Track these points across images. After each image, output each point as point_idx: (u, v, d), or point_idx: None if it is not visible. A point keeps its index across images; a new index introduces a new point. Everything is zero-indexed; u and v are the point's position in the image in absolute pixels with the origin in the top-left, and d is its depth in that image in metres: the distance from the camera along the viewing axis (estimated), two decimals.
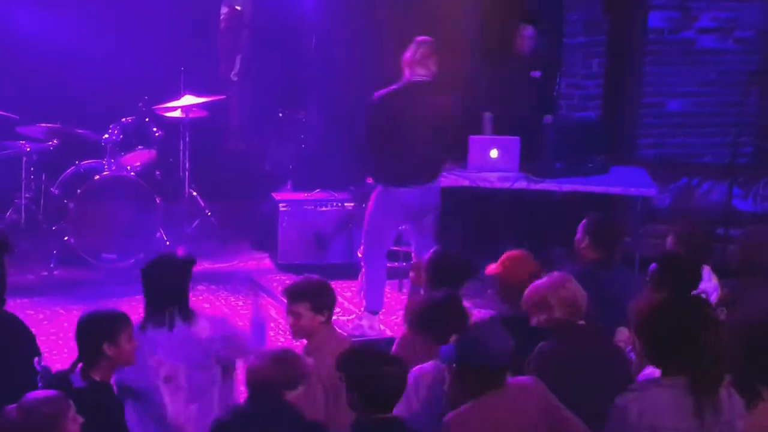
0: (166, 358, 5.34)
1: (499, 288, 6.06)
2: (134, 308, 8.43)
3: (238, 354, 5.46)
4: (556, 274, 5.48)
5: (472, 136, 9.05)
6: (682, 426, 4.07)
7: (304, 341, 5.57)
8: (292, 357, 4.73)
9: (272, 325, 8.28)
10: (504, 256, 6.10)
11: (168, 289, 5.42)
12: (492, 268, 6.13)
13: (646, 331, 4.20)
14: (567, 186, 8.94)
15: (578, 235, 6.49)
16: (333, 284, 8.15)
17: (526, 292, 5.43)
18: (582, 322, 5.31)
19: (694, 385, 4.07)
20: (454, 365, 4.56)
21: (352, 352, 4.63)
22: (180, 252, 5.74)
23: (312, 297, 5.48)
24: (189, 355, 5.34)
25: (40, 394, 4.38)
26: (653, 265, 5.87)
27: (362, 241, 8.12)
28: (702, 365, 4.06)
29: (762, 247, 6.27)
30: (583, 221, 6.52)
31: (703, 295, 5.89)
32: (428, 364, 4.98)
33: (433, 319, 5.16)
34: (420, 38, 7.88)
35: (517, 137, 8.97)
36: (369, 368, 4.43)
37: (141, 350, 5.21)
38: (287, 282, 8.69)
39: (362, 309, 8.10)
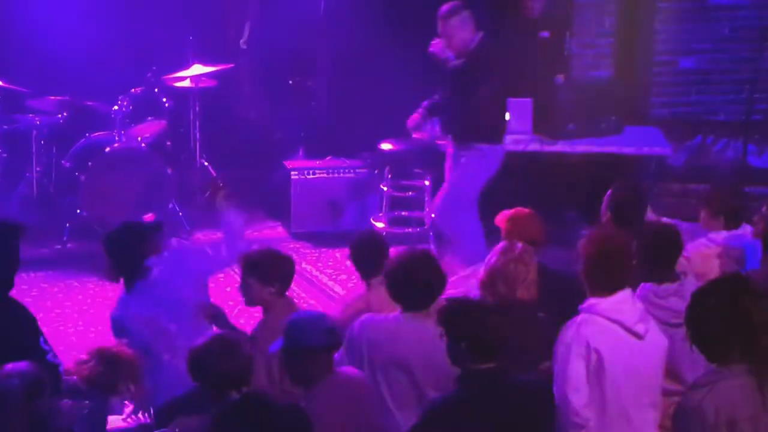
0: (139, 315, 5.54)
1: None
2: None
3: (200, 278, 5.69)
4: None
5: None
6: (761, 414, 3.97)
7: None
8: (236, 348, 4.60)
9: None
10: (512, 212, 6.09)
11: (128, 256, 5.63)
12: (501, 219, 6.13)
13: (695, 320, 4.08)
14: (580, 147, 8.90)
15: (604, 206, 6.32)
16: (346, 251, 8.23)
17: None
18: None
19: (758, 370, 3.96)
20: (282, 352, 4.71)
21: (457, 306, 4.63)
22: (147, 218, 5.87)
23: (260, 269, 5.51)
24: (155, 300, 5.52)
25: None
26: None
27: (451, 209, 7.81)
28: (761, 348, 3.96)
29: None
30: (609, 192, 6.34)
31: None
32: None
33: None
34: None
35: (529, 99, 8.90)
36: (476, 319, 4.50)
37: (119, 321, 5.57)
38: (302, 250, 8.80)
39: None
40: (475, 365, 4.48)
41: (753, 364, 3.97)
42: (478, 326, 4.49)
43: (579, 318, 4.73)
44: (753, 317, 3.96)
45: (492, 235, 6.23)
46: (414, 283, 5.11)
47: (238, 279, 5.74)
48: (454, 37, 7.46)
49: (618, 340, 4.67)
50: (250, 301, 5.62)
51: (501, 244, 5.48)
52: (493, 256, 5.36)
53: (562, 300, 5.19)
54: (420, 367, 5.00)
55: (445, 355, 4.61)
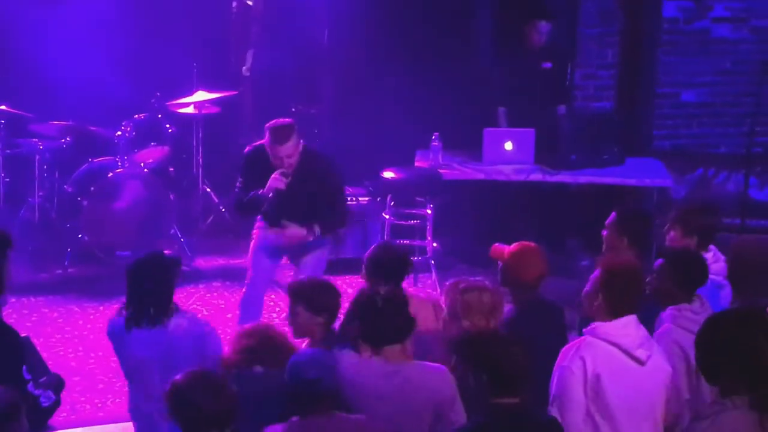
0: (144, 354, 5.37)
1: (503, 276, 5.80)
2: None
3: (206, 357, 5.38)
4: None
5: (486, 129, 9.03)
6: None
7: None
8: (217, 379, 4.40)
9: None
10: (515, 247, 5.80)
11: (152, 288, 5.40)
12: (498, 252, 5.86)
13: (702, 348, 4.05)
14: (582, 178, 8.92)
15: (611, 231, 6.14)
16: (347, 279, 8.23)
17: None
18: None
19: (760, 405, 3.92)
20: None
21: (475, 336, 4.54)
22: (167, 252, 5.74)
23: (309, 298, 5.39)
24: (163, 352, 5.34)
25: None
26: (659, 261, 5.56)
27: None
28: (764, 382, 3.93)
29: (752, 259, 6.09)
30: (613, 216, 6.18)
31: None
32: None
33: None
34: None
35: (532, 129, 8.93)
36: (497, 349, 4.32)
37: (123, 345, 5.38)
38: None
39: None
40: (496, 399, 4.30)
41: (756, 399, 3.93)
42: (500, 357, 4.30)
43: (580, 340, 4.74)
44: (765, 353, 3.93)
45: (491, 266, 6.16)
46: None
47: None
48: (292, 156, 7.22)
49: (617, 364, 4.67)
50: (298, 332, 5.42)
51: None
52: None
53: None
54: None
55: None
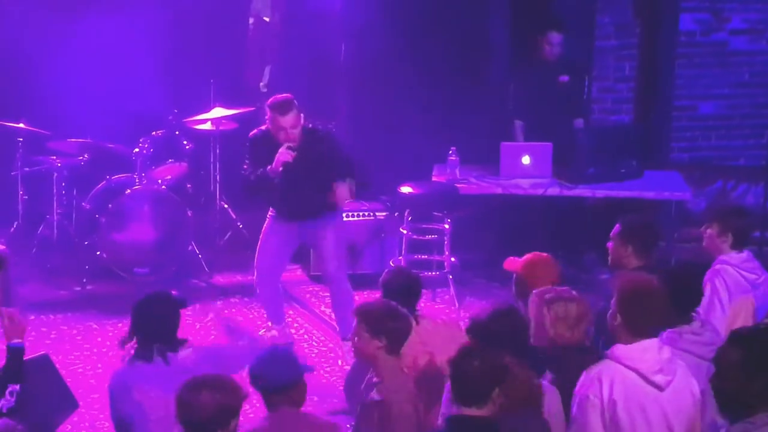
0: (154, 391, 5.28)
1: (517, 287, 5.86)
2: None
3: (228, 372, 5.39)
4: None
5: (503, 143, 9.01)
6: None
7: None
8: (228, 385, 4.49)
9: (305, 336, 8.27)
10: (528, 257, 5.89)
11: (158, 326, 5.44)
12: (512, 264, 5.93)
13: (725, 367, 4.04)
14: (600, 192, 8.88)
15: (616, 242, 6.23)
16: (365, 294, 8.23)
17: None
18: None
19: None
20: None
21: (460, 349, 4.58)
22: (174, 292, 5.74)
23: (370, 318, 5.34)
24: (177, 385, 5.28)
25: None
26: None
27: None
28: None
29: None
30: (618, 227, 6.27)
31: None
32: None
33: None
34: None
35: (550, 143, 8.91)
36: (463, 361, 4.40)
37: (126, 385, 5.31)
38: (320, 293, 8.78)
39: None
40: (460, 410, 4.40)
41: None
42: (463, 369, 4.38)
43: (600, 365, 4.69)
44: None
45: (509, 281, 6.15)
46: None
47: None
48: (296, 127, 7.35)
49: (634, 390, 4.61)
50: (358, 353, 5.41)
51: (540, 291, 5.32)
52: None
53: None
54: None
55: None
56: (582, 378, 4.68)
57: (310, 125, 7.48)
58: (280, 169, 7.21)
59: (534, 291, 5.31)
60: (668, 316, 4.87)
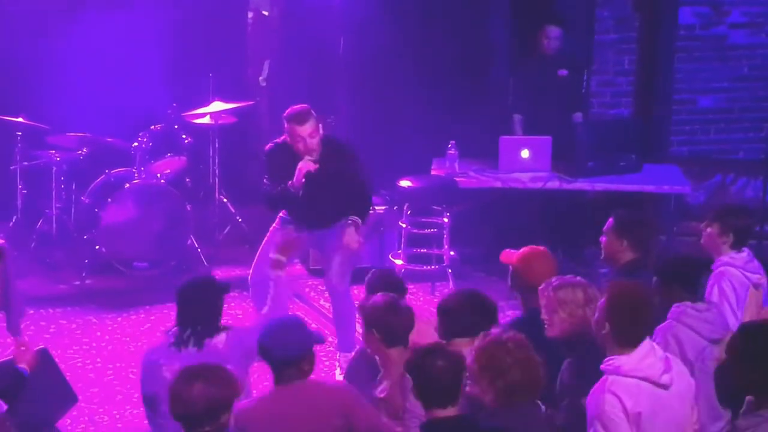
0: None
1: (513, 280, 5.89)
2: (166, 315, 8.50)
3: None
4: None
5: (503, 137, 9.02)
6: None
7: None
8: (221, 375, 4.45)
9: None
10: (524, 251, 5.91)
11: (200, 311, 5.44)
12: (508, 257, 5.94)
13: (737, 359, 4.03)
14: (600, 185, 8.89)
15: (609, 236, 6.24)
16: (363, 288, 8.20)
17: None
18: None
19: None
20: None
21: (417, 350, 4.55)
22: (217, 276, 5.73)
23: (362, 313, 5.43)
24: None
25: None
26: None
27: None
28: None
29: None
30: (611, 221, 6.27)
31: None
32: None
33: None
34: None
35: (549, 137, 8.91)
36: (426, 362, 4.37)
37: (158, 362, 5.35)
38: (320, 287, 8.78)
39: None
40: (431, 412, 4.36)
41: None
42: (421, 368, 4.37)
43: (606, 382, 4.60)
44: None
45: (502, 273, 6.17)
46: None
47: None
48: (314, 137, 7.27)
49: (648, 396, 4.58)
50: (366, 348, 5.50)
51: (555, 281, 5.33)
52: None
53: None
54: None
55: None
56: (593, 400, 4.60)
57: (329, 135, 7.45)
58: (303, 180, 7.16)
59: (542, 285, 5.32)
60: (655, 324, 4.86)
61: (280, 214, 7.58)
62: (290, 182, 7.17)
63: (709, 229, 6.30)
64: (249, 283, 7.67)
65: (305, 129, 7.19)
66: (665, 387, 4.61)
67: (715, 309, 5.46)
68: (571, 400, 4.96)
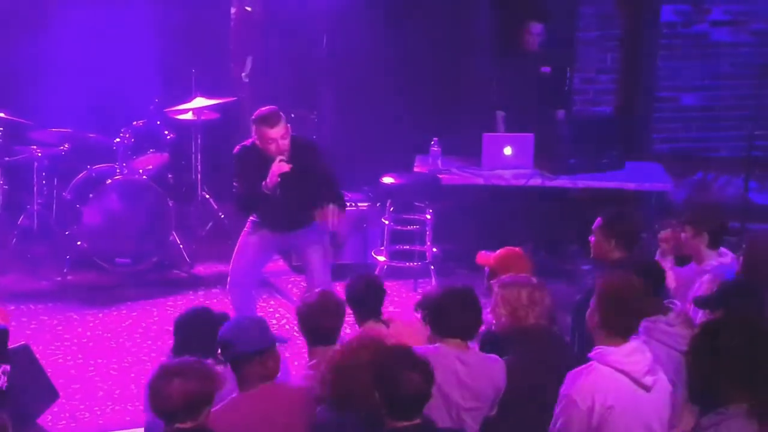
0: None
1: (489, 281, 5.86)
2: (148, 312, 8.50)
3: None
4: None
5: (485, 134, 9.02)
6: None
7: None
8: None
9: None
10: (500, 252, 5.99)
11: (199, 342, 5.36)
12: (484, 259, 6.02)
13: (697, 357, 4.03)
14: (582, 182, 8.91)
15: (598, 236, 6.23)
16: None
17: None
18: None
19: (760, 413, 3.92)
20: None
21: (383, 353, 4.51)
22: (215, 309, 5.71)
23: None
24: None
25: None
26: None
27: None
28: (763, 389, 3.93)
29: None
30: (600, 220, 6.27)
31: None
32: None
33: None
34: None
35: (531, 134, 8.93)
36: (393, 373, 4.30)
37: None
38: (302, 283, 8.78)
39: None
40: (393, 423, 4.30)
41: (756, 407, 3.91)
42: (392, 380, 4.29)
43: (588, 367, 4.66)
44: (760, 358, 3.92)
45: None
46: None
47: None
48: (285, 138, 7.22)
49: (625, 392, 4.61)
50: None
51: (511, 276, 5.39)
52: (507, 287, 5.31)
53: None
54: None
55: None
56: (571, 380, 4.66)
57: (296, 135, 7.40)
58: (278, 180, 7.13)
59: (494, 279, 5.41)
60: (646, 315, 4.88)
61: (251, 218, 7.52)
62: (264, 183, 7.14)
63: (682, 234, 6.29)
64: (228, 289, 7.64)
65: (277, 131, 7.15)
66: (646, 388, 4.64)
67: (683, 317, 5.44)
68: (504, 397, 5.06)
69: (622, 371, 4.61)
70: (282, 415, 4.76)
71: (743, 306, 5.20)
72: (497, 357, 5.13)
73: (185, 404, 4.30)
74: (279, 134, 7.15)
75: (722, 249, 6.28)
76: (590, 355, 4.70)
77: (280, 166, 7.12)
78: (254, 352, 4.81)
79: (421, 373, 4.30)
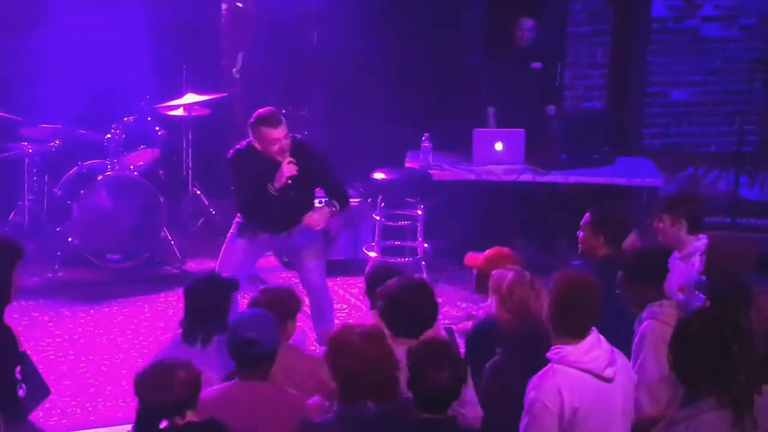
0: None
1: (478, 283, 5.89)
2: (139, 308, 8.49)
3: None
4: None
5: (476, 130, 9.03)
6: None
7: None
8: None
9: None
10: (489, 253, 5.92)
11: (208, 308, 5.42)
12: (473, 260, 5.98)
13: (675, 350, 4.07)
14: (573, 178, 8.92)
15: (586, 231, 6.22)
16: (338, 281, 8.21)
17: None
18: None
19: (734, 405, 3.96)
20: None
21: (418, 347, 4.51)
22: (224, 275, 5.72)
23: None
24: (214, 365, 5.24)
25: None
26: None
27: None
28: (738, 382, 3.96)
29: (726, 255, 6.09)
30: (588, 216, 6.26)
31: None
32: None
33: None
34: None
35: (522, 130, 8.94)
36: (420, 367, 4.35)
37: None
38: (293, 279, 8.78)
39: None
40: (419, 414, 4.36)
41: (730, 400, 3.96)
42: (419, 375, 4.34)
43: (549, 370, 4.63)
44: (733, 350, 3.96)
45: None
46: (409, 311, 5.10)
47: None
48: (287, 137, 7.11)
49: (590, 389, 4.60)
50: None
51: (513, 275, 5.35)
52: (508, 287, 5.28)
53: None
54: None
55: None
56: (535, 384, 4.61)
57: (293, 135, 7.32)
58: (289, 182, 7.05)
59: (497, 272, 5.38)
60: (600, 315, 4.84)
61: (236, 219, 7.46)
62: (270, 185, 7.05)
63: (661, 224, 6.25)
64: None
65: (280, 131, 7.00)
66: (608, 380, 4.63)
67: (685, 304, 5.45)
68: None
69: (584, 369, 4.59)
70: (271, 416, 4.75)
71: (729, 298, 5.21)
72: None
73: (189, 393, 4.32)
74: (282, 134, 7.03)
75: (702, 237, 6.26)
76: (548, 355, 4.65)
77: (289, 168, 7.02)
78: (274, 352, 4.84)
79: (450, 371, 4.33)
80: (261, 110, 7.15)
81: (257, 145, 7.06)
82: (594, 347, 4.65)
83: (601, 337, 4.75)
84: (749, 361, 3.97)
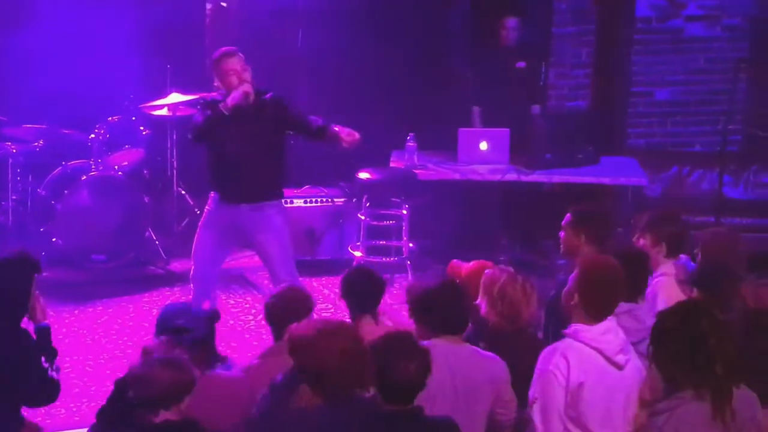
0: None
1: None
2: (124, 308, 8.47)
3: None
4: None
5: (461, 129, 9.04)
6: None
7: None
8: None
9: None
10: (472, 266, 5.86)
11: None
12: (455, 270, 5.92)
13: (656, 339, 4.15)
14: (557, 177, 8.94)
15: (567, 231, 6.16)
16: (323, 281, 8.19)
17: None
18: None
19: (713, 397, 4.05)
20: None
21: (382, 339, 4.50)
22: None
23: None
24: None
25: None
26: None
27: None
28: (716, 374, 4.05)
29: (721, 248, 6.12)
30: (569, 216, 6.21)
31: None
32: None
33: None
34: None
35: (507, 129, 8.95)
36: (388, 359, 4.32)
37: None
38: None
39: None
40: (384, 406, 4.33)
41: (708, 391, 4.05)
42: (385, 368, 4.30)
43: (563, 344, 4.74)
44: (710, 343, 4.04)
45: None
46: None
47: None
48: (246, 71, 7.15)
49: (599, 369, 4.69)
50: None
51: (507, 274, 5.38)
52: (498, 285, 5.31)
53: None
54: None
55: None
56: (546, 355, 4.73)
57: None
58: (239, 102, 6.99)
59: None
60: (622, 299, 4.94)
61: (212, 194, 7.42)
62: (222, 104, 7.03)
63: (642, 241, 6.25)
64: (190, 279, 7.54)
65: (236, 62, 7.14)
66: (619, 367, 4.71)
67: (643, 309, 5.47)
68: None
69: (595, 348, 4.69)
70: (218, 402, 4.76)
71: (717, 288, 5.27)
72: (494, 355, 5.04)
73: (172, 391, 4.33)
74: (239, 66, 7.12)
75: (683, 258, 6.27)
76: (565, 331, 4.76)
77: (244, 87, 7.04)
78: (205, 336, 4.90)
79: (417, 362, 4.31)
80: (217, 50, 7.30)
81: (220, 84, 7.16)
82: (610, 331, 4.75)
83: (618, 328, 4.83)
84: (727, 353, 4.02)
